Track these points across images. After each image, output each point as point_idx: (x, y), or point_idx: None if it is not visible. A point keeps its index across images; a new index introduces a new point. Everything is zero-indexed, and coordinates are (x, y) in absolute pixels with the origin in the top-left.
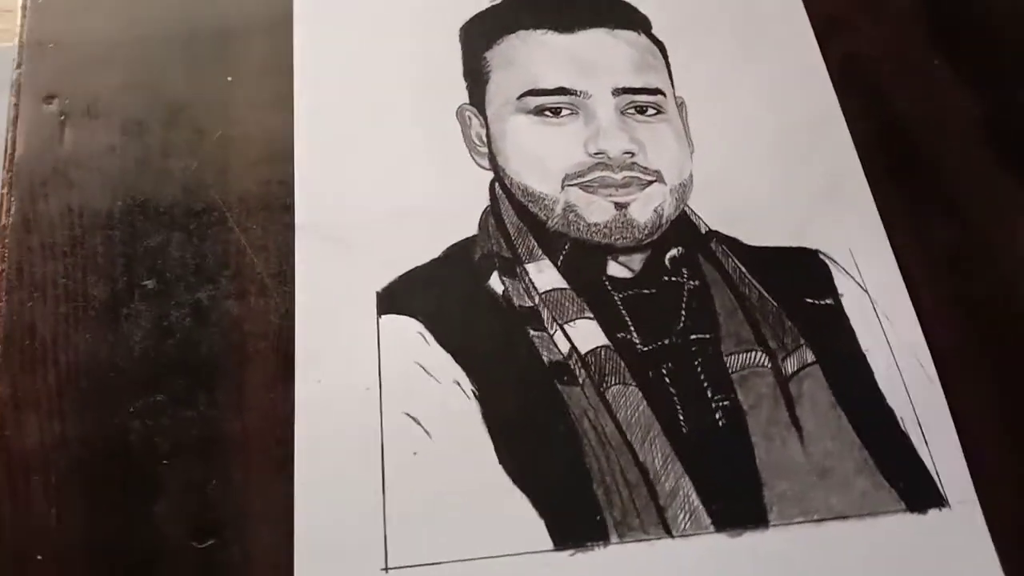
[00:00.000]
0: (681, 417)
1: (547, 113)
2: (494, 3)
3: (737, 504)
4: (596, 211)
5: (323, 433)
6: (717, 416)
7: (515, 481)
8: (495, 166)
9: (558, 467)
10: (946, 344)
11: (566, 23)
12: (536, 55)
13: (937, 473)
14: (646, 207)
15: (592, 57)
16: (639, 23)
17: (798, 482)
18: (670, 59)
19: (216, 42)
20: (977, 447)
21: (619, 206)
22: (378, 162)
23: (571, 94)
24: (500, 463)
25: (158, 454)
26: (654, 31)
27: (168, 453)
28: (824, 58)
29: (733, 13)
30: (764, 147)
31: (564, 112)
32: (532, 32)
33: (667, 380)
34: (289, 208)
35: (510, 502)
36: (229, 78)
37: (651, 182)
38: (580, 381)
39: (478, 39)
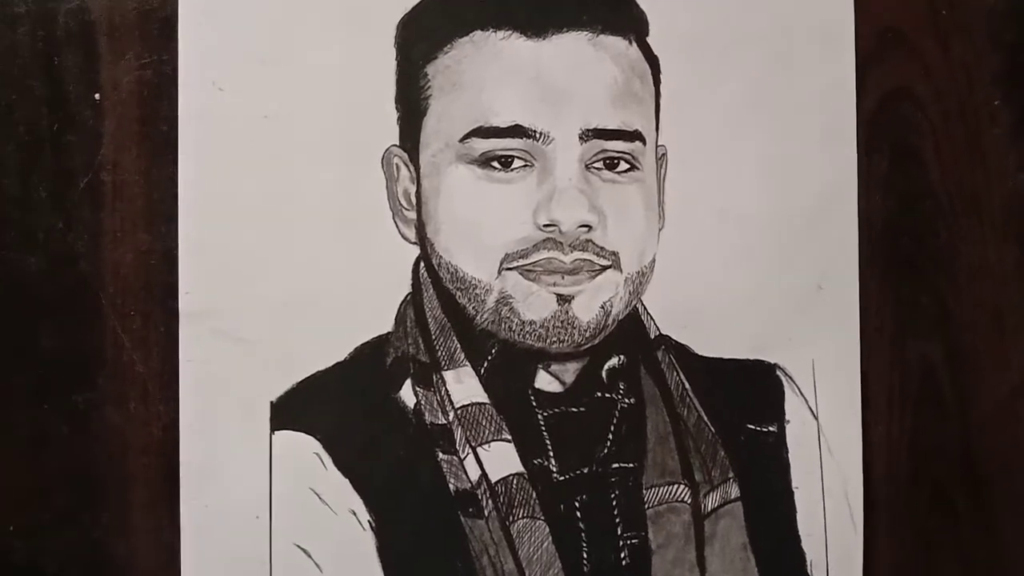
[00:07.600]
0: (585, 555)
1: (495, 165)
2: None
3: None
4: (534, 305)
5: (209, 562)
6: (622, 555)
7: None
8: (422, 239)
9: None
10: (883, 490)
11: (537, 23)
12: (491, 73)
13: None
14: (593, 302)
15: (562, 80)
16: (632, 26)
17: None
18: (662, 85)
19: (80, 47)
20: None
21: (562, 299)
22: (281, 227)
23: (528, 136)
24: None
25: None
26: (650, 39)
27: None
28: (858, 98)
29: (761, 22)
30: (751, 229)
31: (516, 164)
32: (491, 35)
33: (578, 515)
34: (172, 289)
35: None
36: (97, 96)
37: (605, 268)
38: (486, 513)
39: (419, 44)
